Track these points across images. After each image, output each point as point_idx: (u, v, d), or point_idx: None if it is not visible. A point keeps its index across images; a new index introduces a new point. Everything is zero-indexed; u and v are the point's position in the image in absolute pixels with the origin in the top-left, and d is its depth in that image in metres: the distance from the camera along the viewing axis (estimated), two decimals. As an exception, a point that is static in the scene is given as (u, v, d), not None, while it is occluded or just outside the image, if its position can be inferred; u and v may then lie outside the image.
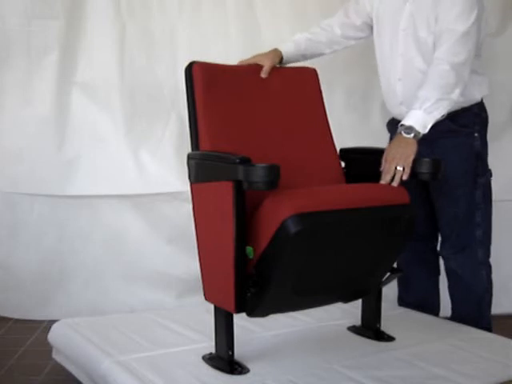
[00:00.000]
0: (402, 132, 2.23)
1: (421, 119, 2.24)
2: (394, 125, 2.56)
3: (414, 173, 2.30)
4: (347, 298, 2.26)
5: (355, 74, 3.13)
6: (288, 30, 3.16)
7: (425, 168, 2.25)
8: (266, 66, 2.40)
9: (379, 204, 2.09)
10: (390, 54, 2.52)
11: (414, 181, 2.47)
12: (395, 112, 2.55)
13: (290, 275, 1.97)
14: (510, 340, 2.39)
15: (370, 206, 2.06)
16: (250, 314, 2.06)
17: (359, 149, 2.48)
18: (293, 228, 1.88)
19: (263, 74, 2.40)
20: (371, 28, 2.60)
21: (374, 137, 3.17)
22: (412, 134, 2.22)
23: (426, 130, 2.25)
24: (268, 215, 1.95)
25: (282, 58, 2.50)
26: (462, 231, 2.51)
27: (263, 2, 3.18)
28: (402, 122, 2.25)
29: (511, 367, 2.15)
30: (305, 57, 2.64)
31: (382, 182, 2.20)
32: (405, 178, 2.18)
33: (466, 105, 2.44)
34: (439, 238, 2.65)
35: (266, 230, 1.93)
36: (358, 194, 2.11)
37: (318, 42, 2.64)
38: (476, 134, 2.47)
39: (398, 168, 2.18)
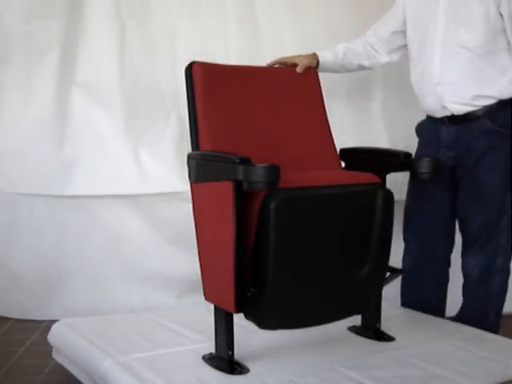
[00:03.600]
0: None
1: None
2: (429, 127, 2.56)
3: (413, 173, 2.31)
4: (351, 307, 2.24)
5: (355, 74, 3.12)
6: (288, 29, 3.16)
7: (425, 168, 2.26)
8: (303, 63, 2.45)
9: (350, 182, 2.16)
10: (425, 36, 2.49)
11: (440, 187, 2.48)
12: (430, 99, 2.51)
13: (284, 257, 1.97)
14: (509, 340, 2.39)
15: (342, 184, 2.13)
16: (260, 324, 2.06)
17: (359, 149, 2.48)
18: (272, 202, 1.92)
19: (299, 70, 2.45)
20: (401, 38, 2.61)
21: (374, 137, 3.19)
22: None
23: None
24: (250, 199, 1.96)
25: (318, 63, 2.55)
26: (487, 237, 2.49)
27: (263, 1, 3.17)
28: None
29: (511, 367, 2.16)
30: (343, 67, 2.67)
31: None
32: None
33: (503, 97, 2.41)
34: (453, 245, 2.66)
35: (252, 213, 1.96)
36: (330, 175, 2.23)
37: (357, 51, 2.66)
38: None
39: None
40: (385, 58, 2.68)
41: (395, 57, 2.69)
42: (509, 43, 2.38)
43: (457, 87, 2.43)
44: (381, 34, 2.65)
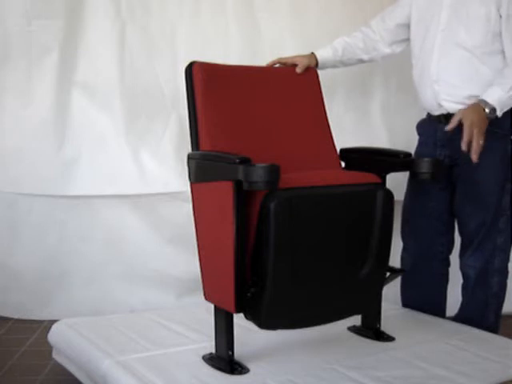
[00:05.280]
0: (486, 109, 2.25)
1: (502, 102, 2.27)
2: (427, 125, 2.55)
3: (414, 172, 2.31)
4: (350, 307, 2.24)
5: (355, 74, 3.13)
6: (288, 30, 3.17)
7: (425, 168, 2.26)
8: (302, 63, 2.46)
9: (350, 182, 2.16)
10: (427, 32, 2.49)
11: (438, 186, 2.49)
12: (427, 95, 2.51)
13: (284, 257, 1.96)
14: (509, 340, 2.39)
15: (342, 184, 2.14)
16: (260, 324, 2.05)
17: (359, 149, 2.48)
18: (272, 202, 1.92)
19: (298, 70, 2.46)
20: (405, 32, 2.61)
21: (374, 137, 3.19)
22: (492, 116, 2.26)
23: (500, 114, 2.28)
24: (250, 199, 1.96)
25: (317, 63, 2.56)
26: (483, 237, 2.49)
27: (263, 1, 3.18)
28: (485, 99, 2.26)
29: (511, 367, 2.16)
30: (343, 63, 2.67)
31: (464, 142, 2.22)
32: (481, 143, 2.21)
33: None
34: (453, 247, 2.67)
35: (252, 213, 1.96)
36: (331, 175, 2.22)
37: (356, 46, 2.65)
38: (511, 137, 2.43)
39: (473, 133, 2.22)
40: (386, 50, 2.68)
41: (397, 49, 2.68)
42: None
43: (453, 86, 2.43)
44: (386, 23, 2.65)
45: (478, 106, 2.27)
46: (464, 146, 2.21)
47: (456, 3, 2.41)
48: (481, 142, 2.21)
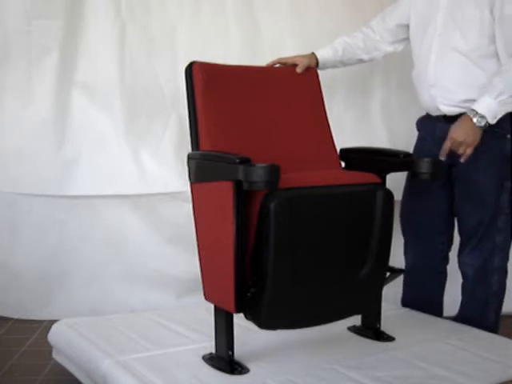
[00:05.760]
0: (474, 119, 2.27)
1: (493, 110, 2.27)
2: (427, 122, 2.56)
3: (414, 172, 2.31)
4: (350, 307, 2.24)
5: (355, 74, 3.13)
6: (288, 30, 3.17)
7: (425, 168, 2.26)
8: (303, 63, 2.46)
9: (350, 182, 2.16)
10: (425, 35, 2.49)
11: (438, 184, 2.49)
12: (425, 97, 2.51)
13: (284, 257, 1.96)
14: (509, 340, 2.39)
15: (342, 184, 2.14)
16: (260, 324, 2.05)
17: (359, 149, 2.48)
18: (272, 202, 1.92)
19: (299, 70, 2.46)
20: (406, 31, 2.61)
21: (374, 137, 3.19)
22: (482, 124, 2.27)
23: (494, 122, 2.28)
24: (250, 199, 1.96)
25: (318, 63, 2.56)
26: (482, 236, 2.49)
27: (263, 1, 3.18)
28: (474, 108, 2.27)
29: (511, 367, 2.16)
30: (343, 63, 2.68)
31: (441, 153, 2.34)
32: (468, 152, 2.31)
33: None
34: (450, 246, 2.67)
35: (252, 213, 1.96)
36: (331, 175, 2.22)
37: (356, 46, 2.66)
38: (508, 136, 2.43)
39: (460, 152, 2.30)
40: (389, 48, 2.68)
41: (399, 47, 2.69)
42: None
43: (449, 91, 2.43)
44: (387, 23, 2.65)
45: (466, 118, 2.29)
46: (440, 156, 2.34)
47: (452, 5, 2.41)
48: (468, 151, 2.30)
